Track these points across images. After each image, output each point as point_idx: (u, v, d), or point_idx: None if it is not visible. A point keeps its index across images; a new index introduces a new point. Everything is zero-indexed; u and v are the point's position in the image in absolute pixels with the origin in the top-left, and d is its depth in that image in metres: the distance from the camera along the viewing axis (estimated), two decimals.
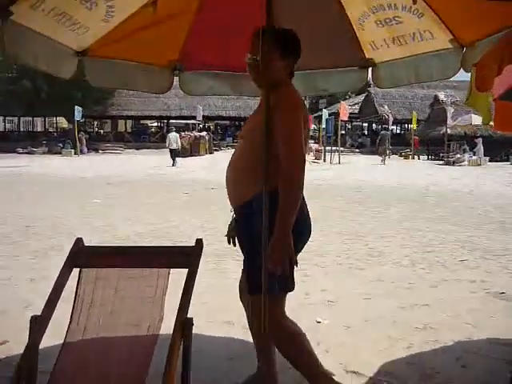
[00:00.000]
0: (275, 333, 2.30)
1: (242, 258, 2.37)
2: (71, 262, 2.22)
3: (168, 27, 2.86)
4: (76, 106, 28.22)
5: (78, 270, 2.19)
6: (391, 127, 35.95)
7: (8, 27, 2.07)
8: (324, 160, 26.37)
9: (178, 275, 2.13)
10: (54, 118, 42.29)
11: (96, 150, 32.79)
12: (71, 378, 2.03)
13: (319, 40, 2.98)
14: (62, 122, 40.65)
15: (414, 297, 4.43)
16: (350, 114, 33.67)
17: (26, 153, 30.29)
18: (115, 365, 2.08)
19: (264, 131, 2.17)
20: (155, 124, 47.67)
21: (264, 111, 2.21)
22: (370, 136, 40.01)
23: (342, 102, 32.69)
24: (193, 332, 1.98)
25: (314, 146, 29.89)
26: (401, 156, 30.46)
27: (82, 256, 2.25)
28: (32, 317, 2.01)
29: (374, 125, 42.76)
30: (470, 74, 2.37)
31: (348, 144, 37.88)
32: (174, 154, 21.61)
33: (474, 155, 25.87)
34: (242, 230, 2.40)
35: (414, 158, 29.53)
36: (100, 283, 2.19)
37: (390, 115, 33.15)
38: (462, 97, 31.23)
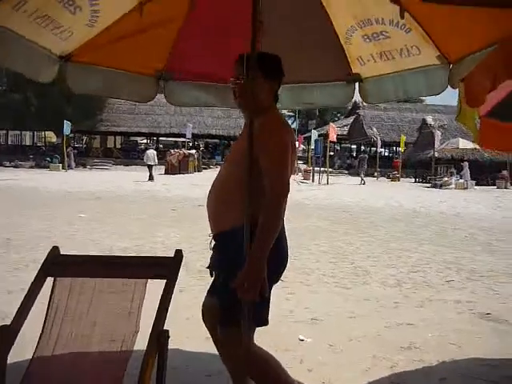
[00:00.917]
0: (248, 364, 2.20)
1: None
2: (45, 270, 2.14)
3: (154, 35, 2.82)
4: (65, 121, 28.03)
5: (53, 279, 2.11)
6: (380, 149, 36.20)
7: None
8: (312, 180, 26.40)
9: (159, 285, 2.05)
10: (43, 133, 42.04)
11: (84, 166, 32.54)
12: None
13: (306, 53, 2.97)
14: (51, 136, 40.36)
15: (399, 316, 4.37)
16: (339, 135, 33.95)
17: (12, 166, 29.97)
18: (86, 379, 1.99)
19: (248, 160, 2.08)
20: (145, 141, 47.59)
21: (247, 139, 2.12)
22: None
23: (331, 123, 32.95)
24: (172, 347, 1.91)
25: (302, 166, 29.95)
26: (388, 178, 30.68)
27: (57, 264, 2.17)
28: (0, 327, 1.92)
29: (362, 147, 43.02)
30: (457, 96, 2.35)
31: (337, 165, 38.09)
32: (151, 169, 22.91)
33: (461, 178, 26.09)
34: (216, 257, 2.33)
35: (399, 180, 29.78)
36: (74, 293, 2.11)
37: (379, 138, 33.46)
38: (449, 121, 31.68)
